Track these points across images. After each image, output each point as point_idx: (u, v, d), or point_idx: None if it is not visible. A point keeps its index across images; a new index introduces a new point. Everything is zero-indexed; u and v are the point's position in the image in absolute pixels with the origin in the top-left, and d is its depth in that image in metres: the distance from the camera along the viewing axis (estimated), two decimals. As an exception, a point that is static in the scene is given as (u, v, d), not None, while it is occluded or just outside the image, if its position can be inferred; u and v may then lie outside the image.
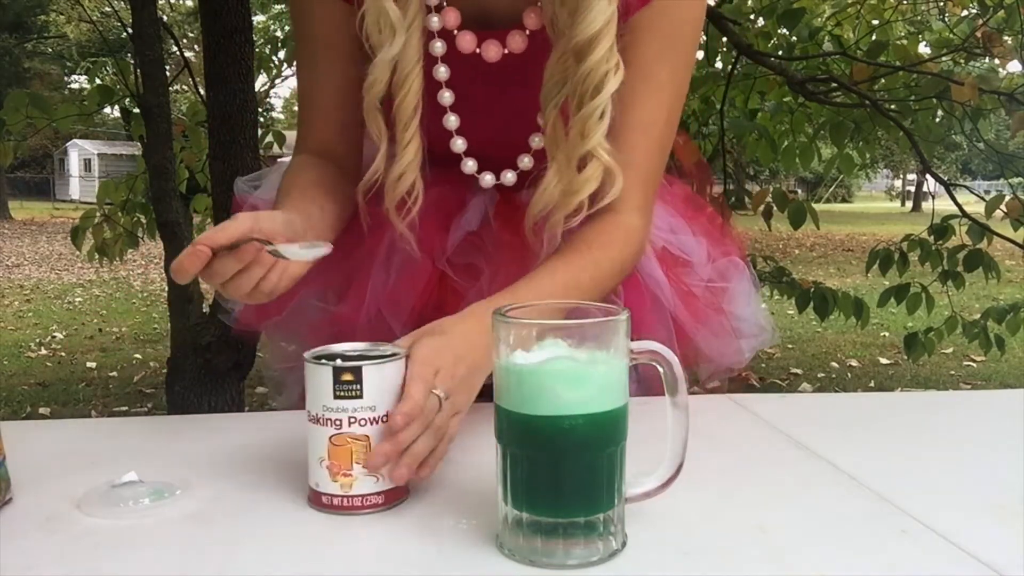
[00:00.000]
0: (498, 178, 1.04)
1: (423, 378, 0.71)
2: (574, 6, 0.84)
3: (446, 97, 0.99)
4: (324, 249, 0.78)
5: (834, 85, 3.36)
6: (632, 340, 0.63)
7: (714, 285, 1.10)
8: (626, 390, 0.62)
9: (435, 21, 0.95)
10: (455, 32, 0.96)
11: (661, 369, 0.64)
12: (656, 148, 0.97)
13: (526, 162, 1.02)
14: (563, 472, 0.60)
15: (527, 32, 0.96)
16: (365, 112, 0.92)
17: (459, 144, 1.01)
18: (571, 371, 0.59)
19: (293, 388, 1.09)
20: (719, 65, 3.77)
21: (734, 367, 1.10)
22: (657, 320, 1.04)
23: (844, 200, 37.07)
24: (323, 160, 1.01)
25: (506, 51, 0.97)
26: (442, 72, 0.97)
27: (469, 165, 1.03)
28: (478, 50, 0.97)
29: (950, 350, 5.30)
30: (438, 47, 0.96)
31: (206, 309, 2.93)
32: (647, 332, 0.99)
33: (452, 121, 1.00)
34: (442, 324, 0.79)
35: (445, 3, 0.96)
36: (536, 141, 1.01)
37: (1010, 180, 3.98)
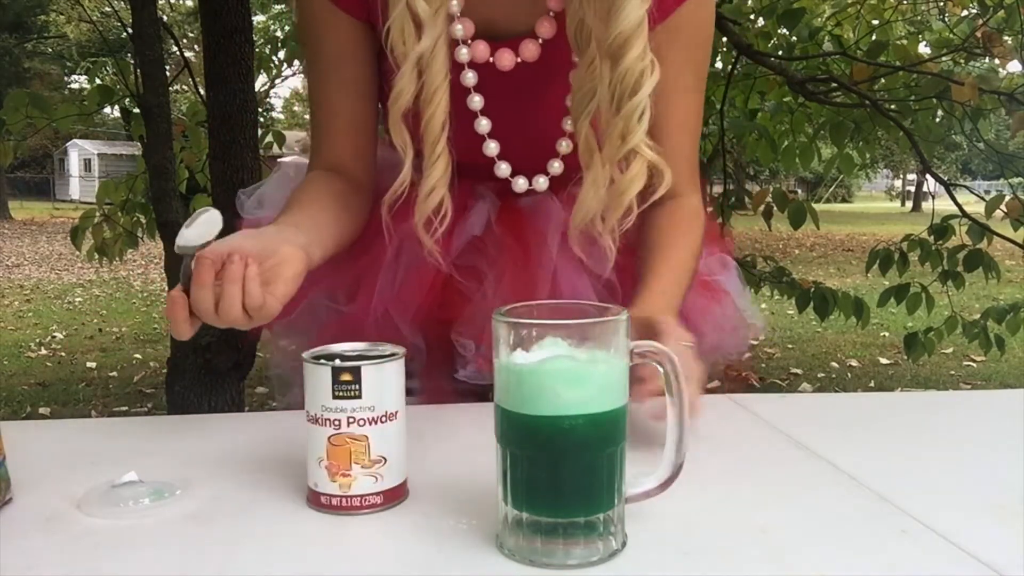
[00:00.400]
0: (530, 183, 1.06)
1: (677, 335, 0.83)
2: (607, 7, 0.86)
3: (476, 101, 1.00)
4: (207, 214, 0.72)
5: (834, 85, 3.35)
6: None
7: (706, 279, 1.12)
8: (626, 390, 0.62)
9: (459, 29, 0.96)
10: (468, 42, 0.97)
11: (661, 369, 0.64)
12: (694, 141, 1.07)
13: (556, 167, 1.05)
14: (563, 472, 0.60)
15: (540, 41, 0.98)
16: (390, 125, 0.92)
17: (492, 148, 1.03)
18: (571, 371, 0.59)
19: (299, 387, 1.09)
20: (719, 65, 3.77)
21: (736, 354, 1.13)
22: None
23: (844, 200, 37.08)
24: (335, 175, 1.02)
25: (519, 60, 0.98)
26: (470, 78, 0.98)
27: (503, 168, 1.05)
28: (491, 59, 0.98)
29: (950, 350, 5.30)
30: (464, 53, 0.97)
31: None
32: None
33: (484, 125, 1.01)
34: (652, 314, 0.87)
35: (459, 14, 0.97)
36: (563, 146, 1.03)
37: (1010, 180, 3.98)
